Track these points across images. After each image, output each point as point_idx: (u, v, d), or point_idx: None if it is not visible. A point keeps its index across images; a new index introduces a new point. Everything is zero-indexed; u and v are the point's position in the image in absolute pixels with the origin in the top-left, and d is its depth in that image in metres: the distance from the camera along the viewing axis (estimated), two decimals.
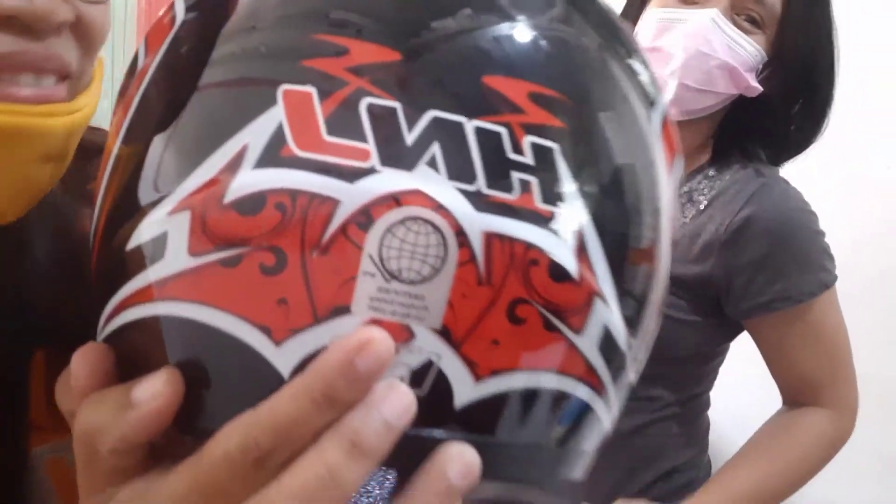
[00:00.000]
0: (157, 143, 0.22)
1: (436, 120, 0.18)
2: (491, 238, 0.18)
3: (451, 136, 0.18)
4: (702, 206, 0.73)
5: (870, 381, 1.71)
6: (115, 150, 0.25)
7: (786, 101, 0.75)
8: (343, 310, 0.19)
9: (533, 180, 0.19)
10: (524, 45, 0.20)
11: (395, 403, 0.20)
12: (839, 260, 1.76)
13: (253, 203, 0.18)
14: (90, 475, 0.22)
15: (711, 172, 0.76)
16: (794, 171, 1.75)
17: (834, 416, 0.81)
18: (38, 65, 0.33)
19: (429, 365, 0.20)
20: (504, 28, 0.20)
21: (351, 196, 0.18)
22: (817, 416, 0.80)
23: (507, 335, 0.19)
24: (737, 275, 0.74)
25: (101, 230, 0.24)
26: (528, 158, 0.19)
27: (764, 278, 0.74)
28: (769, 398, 1.84)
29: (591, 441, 0.24)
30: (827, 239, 1.78)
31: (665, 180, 0.23)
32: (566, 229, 0.19)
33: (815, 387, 0.80)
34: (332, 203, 0.18)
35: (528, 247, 0.19)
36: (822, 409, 0.80)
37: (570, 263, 0.20)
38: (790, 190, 0.79)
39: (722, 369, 1.95)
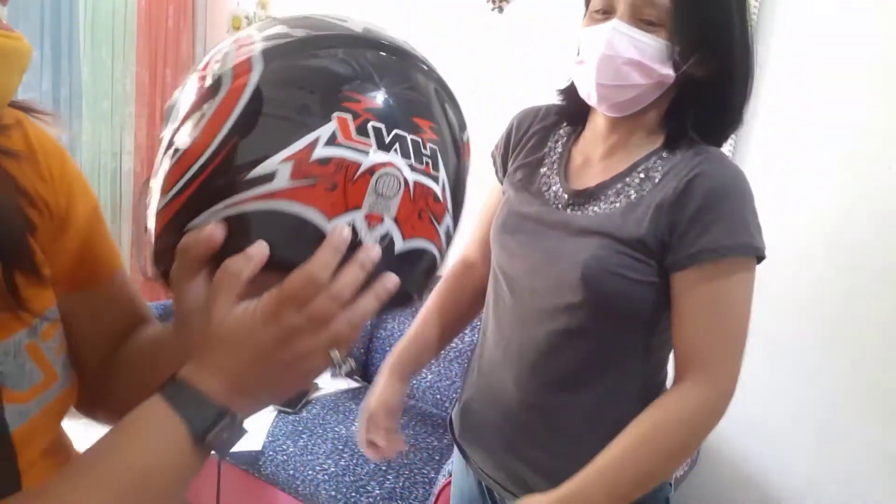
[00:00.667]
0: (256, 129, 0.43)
1: (396, 133, 0.45)
2: (415, 183, 0.46)
3: (403, 140, 0.45)
4: (656, 181, 0.84)
5: (870, 381, 1.72)
6: (222, 133, 0.43)
7: (713, 82, 0.84)
8: (357, 207, 0.44)
9: (431, 161, 0.47)
10: (429, 100, 0.49)
11: (374, 251, 0.45)
12: (841, 260, 1.77)
13: (324, 161, 0.43)
14: (224, 298, 0.43)
15: (664, 154, 0.86)
16: (794, 172, 1.75)
17: (703, 391, 0.82)
18: None
19: (387, 234, 0.46)
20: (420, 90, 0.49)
21: (365, 161, 0.43)
22: (686, 392, 0.82)
23: (417, 222, 0.47)
24: (676, 229, 0.81)
25: (210, 169, 0.44)
26: (429, 153, 0.47)
27: (695, 232, 0.80)
28: (767, 399, 1.85)
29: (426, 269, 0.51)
30: (828, 239, 1.80)
31: (465, 162, 0.53)
32: (441, 181, 0.48)
33: (695, 356, 0.82)
34: (357, 164, 0.43)
35: (429, 189, 0.47)
36: (692, 386, 0.82)
37: (444, 198, 0.49)
38: (730, 162, 0.86)
39: None
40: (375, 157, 0.43)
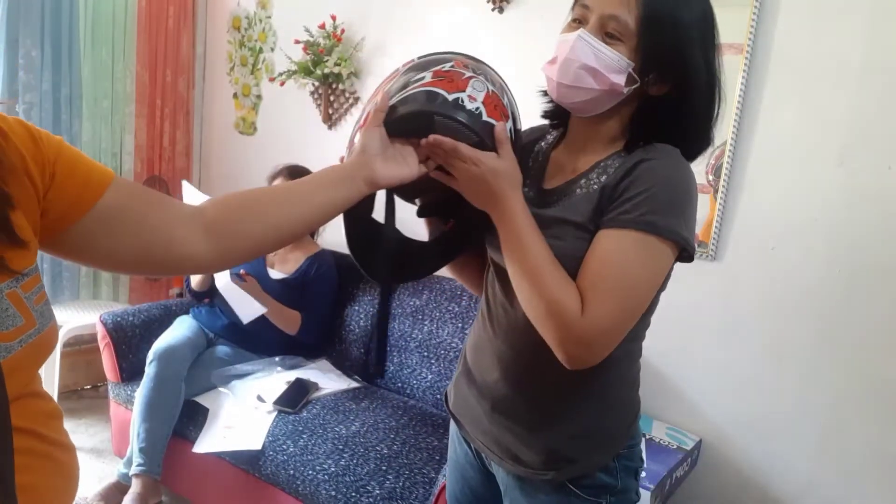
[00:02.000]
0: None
1: (483, 72, 0.96)
2: (491, 91, 0.92)
3: (486, 74, 0.96)
4: (610, 172, 0.91)
5: (871, 381, 1.72)
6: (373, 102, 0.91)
7: (670, 101, 0.91)
8: (462, 90, 0.89)
9: (498, 90, 0.95)
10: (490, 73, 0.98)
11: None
12: (841, 260, 1.77)
13: (447, 70, 0.92)
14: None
15: (623, 153, 0.93)
16: (794, 171, 1.76)
17: (576, 310, 0.84)
18: None
19: (478, 108, 0.89)
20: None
21: (466, 73, 0.93)
22: (574, 296, 0.85)
23: (493, 110, 0.90)
24: (612, 202, 0.88)
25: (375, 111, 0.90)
26: (496, 86, 0.95)
27: (624, 203, 0.86)
28: (767, 399, 1.85)
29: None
30: (828, 239, 1.80)
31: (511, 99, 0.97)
32: (506, 99, 0.96)
33: (582, 289, 0.85)
34: (462, 73, 0.92)
35: (497, 97, 0.93)
36: (579, 301, 0.85)
37: (506, 104, 0.95)
38: (679, 158, 0.91)
39: (716, 374, 1.96)
40: (470, 73, 0.90)
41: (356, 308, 2.40)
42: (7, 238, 0.61)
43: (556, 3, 2.13)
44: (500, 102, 0.91)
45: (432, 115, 0.87)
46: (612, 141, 0.95)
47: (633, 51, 0.87)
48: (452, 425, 1.19)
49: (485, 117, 0.87)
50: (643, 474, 1.06)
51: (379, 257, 1.05)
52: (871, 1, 1.61)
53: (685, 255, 0.89)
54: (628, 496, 1.02)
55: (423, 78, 0.90)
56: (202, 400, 2.07)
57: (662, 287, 0.94)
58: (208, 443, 1.91)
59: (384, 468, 1.74)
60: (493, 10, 2.22)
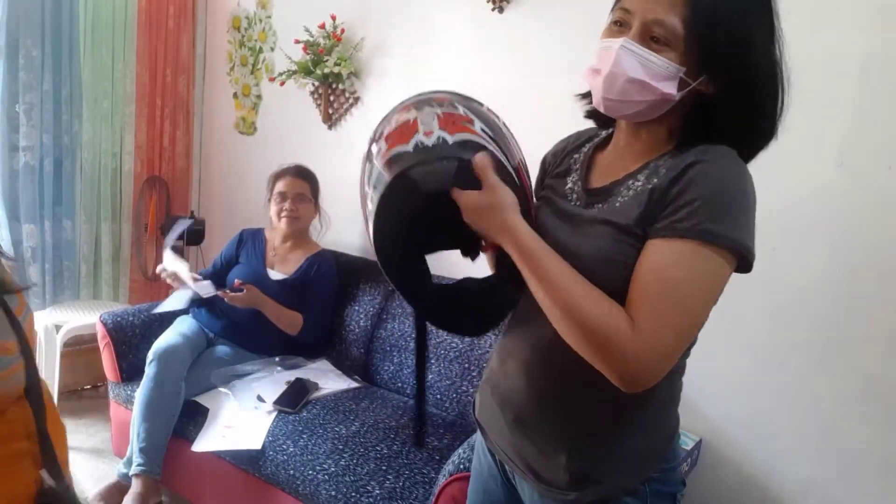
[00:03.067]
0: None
1: (428, 100, 0.93)
2: (444, 113, 0.88)
3: (430, 103, 0.92)
4: (661, 173, 0.85)
5: (871, 381, 1.72)
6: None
7: (727, 100, 0.84)
8: (417, 132, 0.86)
9: (450, 105, 0.91)
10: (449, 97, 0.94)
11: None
12: (841, 260, 1.77)
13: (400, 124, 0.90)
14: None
15: (674, 153, 0.87)
16: (794, 171, 1.75)
17: (627, 328, 0.77)
18: None
19: (439, 137, 0.84)
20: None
21: (412, 116, 0.90)
22: (620, 313, 0.78)
23: (453, 127, 0.86)
24: (663, 207, 0.81)
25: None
26: (446, 103, 0.91)
27: (679, 209, 0.79)
28: (768, 399, 1.85)
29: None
30: (828, 239, 1.80)
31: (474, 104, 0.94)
32: (461, 110, 0.91)
33: (633, 303, 0.79)
34: (414, 119, 0.88)
35: (454, 114, 0.89)
36: (627, 317, 0.78)
37: (465, 114, 0.89)
38: (736, 160, 0.84)
39: (716, 374, 1.96)
40: (413, 113, 0.88)
41: (356, 308, 2.40)
42: None
43: (555, 2, 2.14)
44: (455, 115, 0.86)
45: (407, 177, 0.81)
46: (663, 140, 0.89)
47: (683, 55, 0.81)
48: (478, 434, 1.13)
49: (451, 139, 0.83)
50: (681, 498, 0.99)
51: (458, 316, 0.97)
52: (871, 1, 1.61)
53: (744, 263, 0.82)
54: None
55: (379, 149, 0.88)
56: (202, 400, 2.07)
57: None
58: (207, 442, 1.91)
59: (384, 468, 1.74)
60: (493, 10, 2.22)
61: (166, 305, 2.25)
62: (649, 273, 0.79)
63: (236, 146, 3.22)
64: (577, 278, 0.80)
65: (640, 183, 0.86)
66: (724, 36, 0.81)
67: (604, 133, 1.01)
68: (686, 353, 0.95)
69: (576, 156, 1.01)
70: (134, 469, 2.00)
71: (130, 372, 2.26)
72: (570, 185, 0.96)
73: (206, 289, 2.17)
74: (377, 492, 1.68)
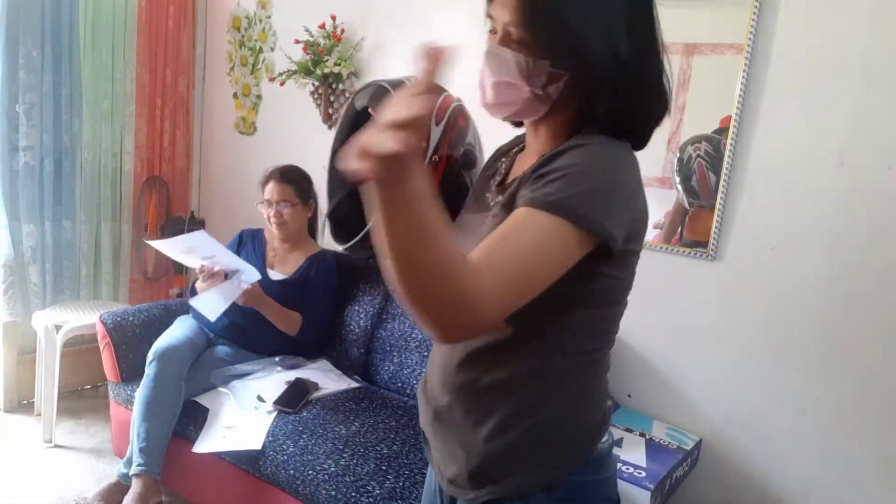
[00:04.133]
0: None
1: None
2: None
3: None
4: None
5: (870, 381, 1.72)
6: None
7: (591, 86, 0.83)
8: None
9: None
10: None
11: None
12: (841, 260, 1.77)
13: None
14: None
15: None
16: (794, 171, 1.75)
17: (472, 273, 0.70)
18: None
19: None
20: None
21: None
22: (467, 266, 0.70)
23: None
24: (532, 180, 0.80)
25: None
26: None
27: (544, 182, 0.77)
28: (768, 399, 1.85)
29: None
30: (828, 239, 1.80)
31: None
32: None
33: (476, 258, 0.72)
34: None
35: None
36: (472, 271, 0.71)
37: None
38: (607, 144, 0.82)
39: (716, 374, 1.96)
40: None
41: (356, 308, 2.40)
42: None
43: None
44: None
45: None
46: (561, 135, 0.88)
47: (535, 50, 0.81)
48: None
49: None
50: None
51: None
52: (871, 1, 1.61)
53: (605, 250, 0.77)
54: None
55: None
56: (202, 400, 2.07)
57: (618, 288, 0.86)
58: (208, 443, 1.91)
59: (384, 468, 1.74)
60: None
61: (204, 305, 2.12)
62: (494, 235, 0.75)
63: (236, 146, 3.21)
64: (435, 236, 0.70)
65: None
66: (552, 30, 0.80)
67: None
68: (594, 352, 0.90)
69: (503, 159, 1.02)
70: (134, 469, 2.00)
71: (130, 372, 2.26)
72: (491, 185, 0.98)
73: (252, 275, 2.12)
74: (377, 492, 1.68)
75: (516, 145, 1.04)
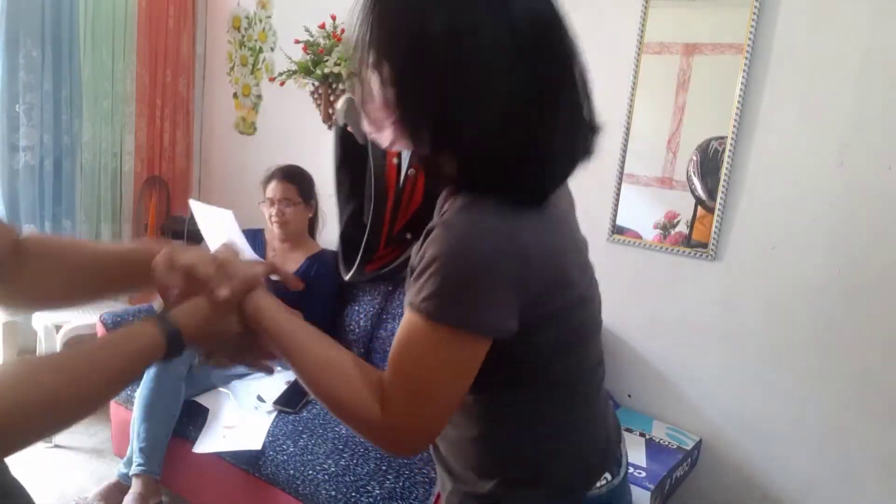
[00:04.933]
0: None
1: None
2: None
3: None
4: None
5: (870, 381, 1.72)
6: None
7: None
8: None
9: None
10: None
11: None
12: (841, 260, 1.77)
13: None
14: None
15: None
16: (794, 171, 1.75)
17: (375, 411, 0.73)
18: None
19: None
20: None
21: None
22: (368, 397, 0.74)
23: None
24: (412, 272, 0.77)
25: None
26: None
27: (418, 284, 0.73)
28: (767, 399, 1.85)
29: None
30: (828, 239, 1.79)
31: None
32: None
33: (384, 377, 0.75)
34: None
35: None
36: (375, 401, 0.74)
37: None
38: (459, 225, 0.72)
39: (717, 374, 1.96)
40: None
41: (356, 308, 2.40)
42: None
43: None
44: None
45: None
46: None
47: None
48: None
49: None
50: None
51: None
52: (871, 1, 1.61)
53: (503, 333, 0.73)
54: None
55: None
56: (202, 400, 2.07)
57: (558, 341, 0.79)
58: (208, 443, 1.91)
59: (384, 468, 1.74)
60: None
61: None
62: (392, 349, 0.75)
63: (236, 146, 3.21)
64: (327, 356, 0.77)
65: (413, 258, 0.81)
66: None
67: None
68: (538, 399, 0.83)
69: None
70: (134, 469, 2.00)
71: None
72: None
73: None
74: (377, 492, 1.68)
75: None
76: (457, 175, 0.75)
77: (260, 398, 2.03)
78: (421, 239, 0.76)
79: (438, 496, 1.54)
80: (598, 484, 0.86)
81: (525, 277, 0.72)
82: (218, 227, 2.13)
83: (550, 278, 0.75)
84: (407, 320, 0.74)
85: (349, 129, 0.96)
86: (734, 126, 1.80)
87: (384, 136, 0.76)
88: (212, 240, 2.15)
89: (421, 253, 0.73)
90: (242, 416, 1.98)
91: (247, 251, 2.13)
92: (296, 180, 2.35)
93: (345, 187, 1.05)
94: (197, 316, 0.79)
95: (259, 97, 3.07)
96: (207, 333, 0.80)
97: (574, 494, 0.85)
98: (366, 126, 0.78)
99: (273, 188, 2.33)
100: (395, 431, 0.73)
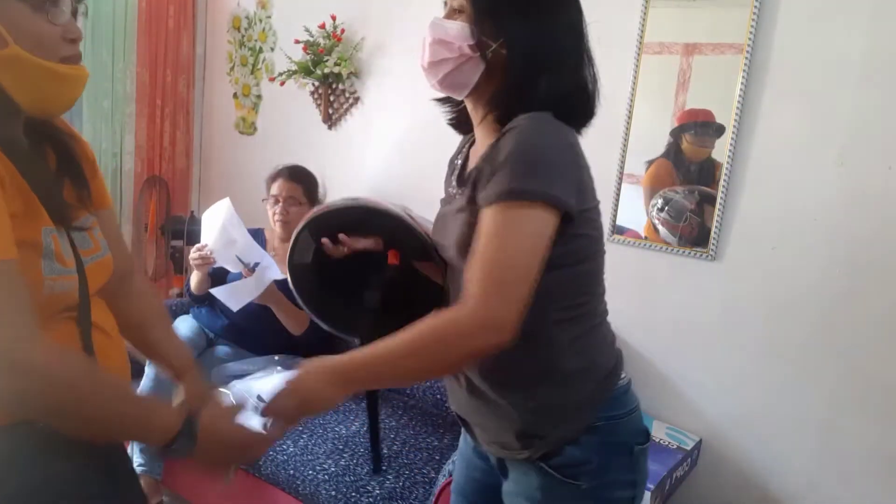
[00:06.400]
0: None
1: None
2: None
3: None
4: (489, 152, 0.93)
5: (870, 381, 1.72)
6: None
7: (514, 64, 0.93)
8: None
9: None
10: None
11: None
12: (841, 260, 1.77)
13: None
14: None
15: (504, 129, 0.94)
16: (795, 171, 1.75)
17: (465, 313, 0.83)
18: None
19: None
20: None
21: None
22: (454, 312, 0.85)
23: None
24: (483, 178, 0.90)
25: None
26: None
27: (491, 179, 0.87)
28: (767, 399, 1.85)
29: None
30: (828, 239, 1.79)
31: None
32: None
33: (468, 286, 0.85)
34: None
35: None
36: (461, 307, 0.84)
37: None
38: (541, 119, 0.90)
39: (716, 374, 1.96)
40: None
41: None
42: (85, 196, 0.93)
43: None
44: None
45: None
46: (496, 123, 0.97)
47: (470, 17, 0.95)
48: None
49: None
50: (642, 450, 1.01)
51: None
52: (871, 1, 1.61)
53: (566, 216, 0.87)
54: (614, 476, 0.98)
55: None
56: None
57: (589, 244, 0.95)
58: None
59: (384, 468, 1.74)
60: None
61: (228, 296, 2.13)
62: (476, 244, 0.86)
63: (236, 146, 3.21)
64: (404, 343, 0.86)
65: (486, 162, 0.94)
66: (500, 5, 0.94)
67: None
68: (584, 302, 0.98)
69: (459, 155, 1.12)
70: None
71: (130, 372, 2.26)
72: (452, 179, 1.08)
73: (275, 271, 2.13)
74: (377, 492, 1.68)
75: (468, 142, 1.12)
76: (518, 100, 0.92)
77: (260, 398, 2.02)
78: (487, 149, 0.92)
79: (438, 496, 1.54)
80: (622, 375, 1.03)
81: (579, 164, 0.91)
82: (217, 219, 2.14)
83: (588, 177, 0.94)
84: (486, 216, 0.86)
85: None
86: (734, 126, 1.80)
87: (441, 63, 0.96)
88: (210, 239, 2.15)
89: (491, 160, 0.88)
90: (242, 416, 1.98)
91: (242, 237, 2.12)
92: (302, 180, 2.36)
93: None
94: (216, 441, 0.93)
95: (259, 97, 3.07)
96: (212, 457, 0.94)
97: (613, 380, 1.01)
98: (426, 57, 0.98)
99: (279, 186, 2.33)
100: (479, 319, 0.82)
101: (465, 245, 0.90)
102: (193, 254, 2.15)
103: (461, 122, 1.11)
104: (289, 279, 1.24)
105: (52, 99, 0.84)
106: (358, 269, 1.14)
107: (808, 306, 1.75)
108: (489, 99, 0.97)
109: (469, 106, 1.03)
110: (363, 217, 1.13)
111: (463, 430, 1.17)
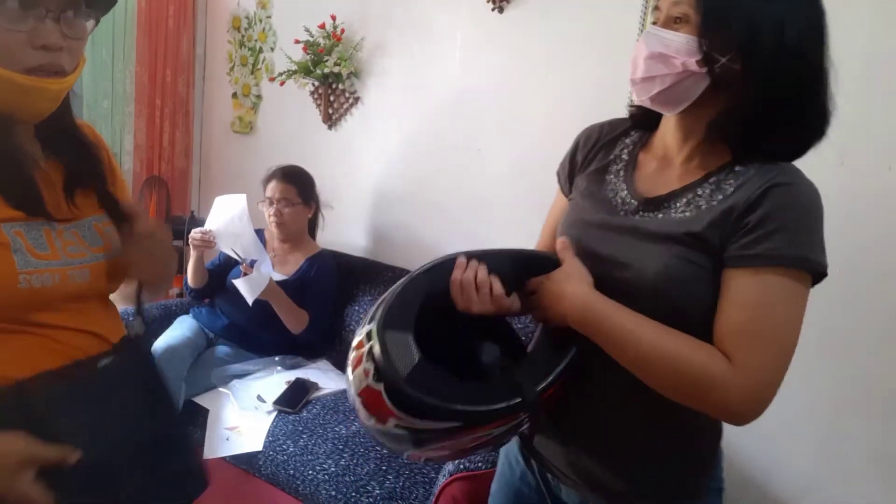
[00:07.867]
0: None
1: None
2: None
3: None
4: (728, 192, 0.85)
5: (871, 381, 1.72)
6: None
7: (765, 91, 0.86)
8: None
9: None
10: None
11: None
12: (841, 261, 1.76)
13: None
14: None
15: (737, 168, 0.87)
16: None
17: (727, 368, 0.79)
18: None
19: None
20: None
21: None
22: (715, 353, 0.80)
23: None
24: (740, 230, 0.82)
25: None
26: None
27: (757, 235, 0.81)
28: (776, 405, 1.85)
29: None
30: (827, 239, 1.79)
31: None
32: None
33: (729, 341, 0.80)
34: None
35: None
36: (723, 356, 0.80)
37: None
38: (805, 177, 0.90)
39: None
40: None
41: (356, 308, 2.40)
42: (108, 195, 0.96)
43: (555, 2, 2.13)
44: (360, 354, 0.84)
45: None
46: (713, 143, 0.88)
47: (698, 27, 0.83)
48: (514, 445, 1.09)
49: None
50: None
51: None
52: (871, 2, 1.61)
53: (818, 279, 0.87)
54: None
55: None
56: (202, 400, 2.07)
57: None
58: (214, 448, 1.91)
59: (384, 468, 1.74)
60: (493, 9, 2.22)
61: (245, 288, 2.12)
62: (743, 308, 0.80)
63: (236, 146, 3.21)
64: (662, 332, 0.81)
65: (703, 198, 0.86)
66: (733, 15, 0.83)
67: (640, 132, 1.00)
68: None
69: (615, 152, 0.99)
70: None
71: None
72: (612, 188, 0.95)
73: (270, 269, 2.16)
74: (377, 492, 1.68)
75: (622, 134, 1.01)
76: (727, 120, 0.85)
77: (260, 398, 2.03)
78: (740, 199, 0.83)
79: (438, 496, 1.54)
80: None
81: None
82: (229, 210, 2.17)
83: None
84: (760, 277, 0.80)
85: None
86: None
87: (656, 79, 0.85)
88: (216, 225, 2.18)
89: (763, 211, 0.81)
90: (243, 416, 1.98)
91: (248, 235, 2.14)
92: (295, 181, 2.36)
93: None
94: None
95: (259, 97, 3.07)
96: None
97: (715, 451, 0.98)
98: (639, 72, 0.87)
99: (272, 188, 2.33)
100: (747, 387, 0.78)
101: (669, 279, 0.83)
102: (195, 233, 2.16)
103: (642, 120, 0.99)
104: (407, 394, 0.81)
105: (16, 109, 0.80)
106: (452, 332, 0.90)
107: (808, 306, 1.75)
108: (714, 120, 0.87)
109: (674, 118, 0.91)
110: (428, 284, 0.90)
111: (515, 457, 1.07)
